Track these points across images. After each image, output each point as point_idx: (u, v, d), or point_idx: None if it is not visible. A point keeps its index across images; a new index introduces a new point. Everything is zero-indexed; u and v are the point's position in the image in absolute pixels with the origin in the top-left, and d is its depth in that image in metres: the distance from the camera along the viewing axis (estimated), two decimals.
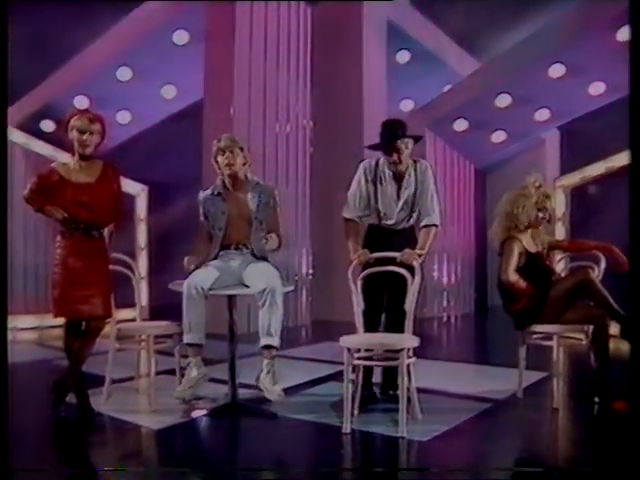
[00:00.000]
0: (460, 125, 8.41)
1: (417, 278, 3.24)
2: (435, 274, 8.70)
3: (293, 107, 7.67)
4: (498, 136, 8.60)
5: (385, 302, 3.55)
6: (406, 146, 3.46)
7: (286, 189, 7.37)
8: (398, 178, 3.51)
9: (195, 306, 3.24)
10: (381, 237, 3.57)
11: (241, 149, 3.48)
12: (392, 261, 3.34)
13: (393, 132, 3.42)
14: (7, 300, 2.50)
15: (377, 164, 3.56)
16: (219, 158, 3.49)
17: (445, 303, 8.84)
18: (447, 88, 8.68)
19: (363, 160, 3.66)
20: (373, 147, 3.54)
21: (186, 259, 3.31)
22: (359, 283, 3.41)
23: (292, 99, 7.68)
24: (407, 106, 9.14)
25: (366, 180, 3.54)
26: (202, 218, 3.55)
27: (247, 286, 3.36)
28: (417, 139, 3.52)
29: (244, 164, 3.53)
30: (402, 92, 8.84)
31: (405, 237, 3.54)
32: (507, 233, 3.71)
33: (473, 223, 9.31)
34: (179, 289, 3.31)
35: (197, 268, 3.34)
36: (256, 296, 3.25)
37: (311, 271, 7.85)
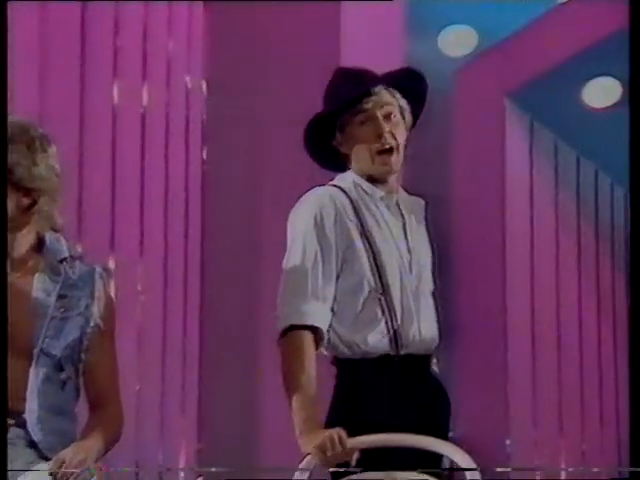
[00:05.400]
0: (599, 92, 8.28)
1: None
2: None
3: (162, 47, 7.50)
4: None
5: None
6: (402, 112, 3.75)
7: (139, 259, 7.00)
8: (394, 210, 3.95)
9: None
10: (384, 386, 3.60)
11: (33, 166, 3.45)
12: (414, 459, 3.30)
13: (361, 82, 3.81)
14: (7, 303, 3.33)
15: (353, 186, 3.81)
16: None
17: None
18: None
19: (320, 185, 3.91)
20: (319, 117, 3.81)
21: None
22: None
23: (157, 28, 7.42)
24: (458, 42, 8.96)
25: (336, 218, 3.72)
26: None
27: None
28: (419, 94, 3.81)
29: (31, 203, 3.64)
30: (447, 12, 8.60)
31: (433, 385, 3.70)
32: None
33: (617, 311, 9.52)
34: None
35: None
36: None
37: None
